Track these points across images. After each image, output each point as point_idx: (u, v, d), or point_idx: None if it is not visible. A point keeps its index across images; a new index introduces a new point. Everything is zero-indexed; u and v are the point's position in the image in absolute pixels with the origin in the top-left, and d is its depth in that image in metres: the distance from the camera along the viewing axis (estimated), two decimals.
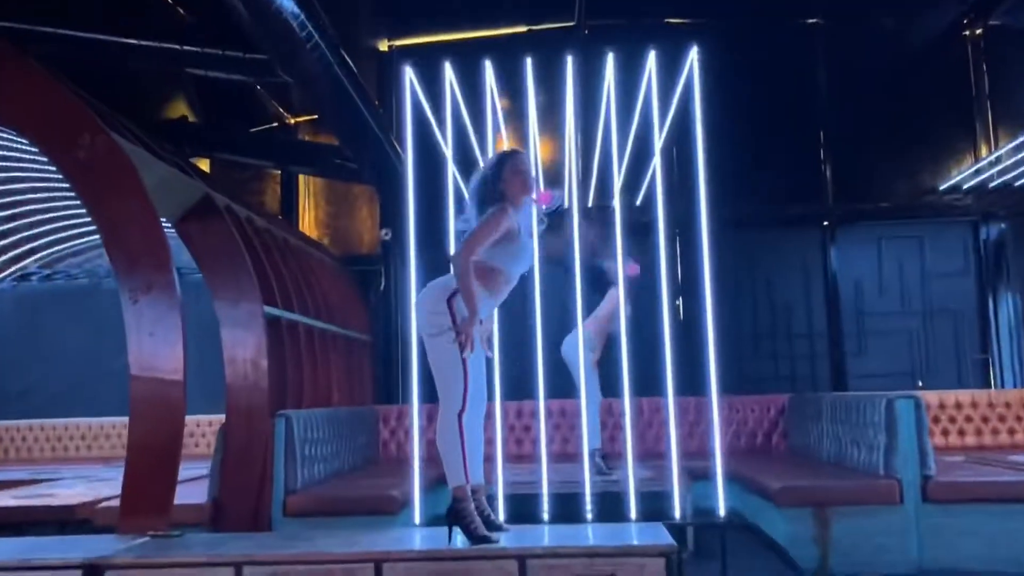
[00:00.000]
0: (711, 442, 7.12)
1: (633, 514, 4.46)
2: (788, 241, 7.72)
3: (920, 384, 7.81)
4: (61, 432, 9.24)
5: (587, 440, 5.52)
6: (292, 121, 8.25)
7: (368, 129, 5.58)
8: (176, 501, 4.90)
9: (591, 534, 3.91)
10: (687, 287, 7.76)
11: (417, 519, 4.29)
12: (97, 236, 10.08)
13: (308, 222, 9.32)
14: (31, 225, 7.97)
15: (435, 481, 4.68)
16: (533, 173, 3.76)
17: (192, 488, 5.16)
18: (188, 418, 8.97)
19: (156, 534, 3.77)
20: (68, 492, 5.59)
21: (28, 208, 7.57)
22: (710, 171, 5.76)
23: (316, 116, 8.09)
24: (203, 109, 7.40)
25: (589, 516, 4.49)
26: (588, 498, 4.56)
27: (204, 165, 9.36)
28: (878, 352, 7.82)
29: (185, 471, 6.39)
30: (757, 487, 5.32)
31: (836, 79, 7.81)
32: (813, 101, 7.60)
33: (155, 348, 3.89)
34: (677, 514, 4.49)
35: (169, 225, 5.09)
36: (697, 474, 5.99)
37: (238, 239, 5.18)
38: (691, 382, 6.48)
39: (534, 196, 3.72)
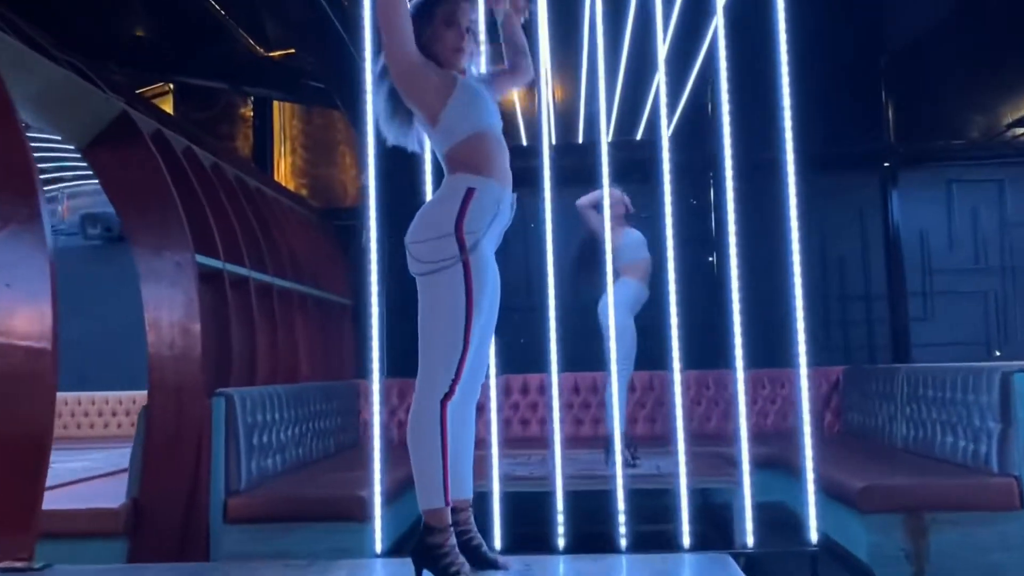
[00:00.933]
0: (759, 422, 6.02)
1: (685, 525, 3.35)
2: (841, 186, 6.49)
3: (998, 354, 6.65)
4: None
5: (616, 421, 4.46)
6: (273, 54, 7.06)
7: (330, 27, 4.47)
8: (82, 504, 3.85)
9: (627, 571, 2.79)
10: (720, 241, 6.61)
11: (379, 545, 3.19)
12: (51, 187, 8.98)
13: (284, 171, 8.19)
14: None
15: (408, 482, 3.59)
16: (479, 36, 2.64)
17: (105, 487, 4.10)
18: (109, 395, 8.23)
19: (9, 567, 2.68)
20: None
21: None
22: (746, 105, 4.75)
23: (292, 50, 6.96)
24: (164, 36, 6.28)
25: (623, 535, 3.36)
26: (621, 506, 3.42)
27: (167, 106, 8.22)
28: (947, 317, 6.65)
29: (96, 462, 5.34)
30: (825, 483, 4.23)
31: None
32: (871, 20, 6.41)
33: (12, 304, 2.78)
34: (749, 538, 3.36)
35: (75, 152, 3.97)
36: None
37: (164, 172, 4.06)
38: (720, 352, 5.45)
39: (475, 69, 2.62)
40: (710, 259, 6.69)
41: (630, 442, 4.70)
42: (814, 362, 6.39)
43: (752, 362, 6.27)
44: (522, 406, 6.12)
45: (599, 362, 5.53)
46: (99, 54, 4.69)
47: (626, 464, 4.60)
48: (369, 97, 3.14)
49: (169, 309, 3.97)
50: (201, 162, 4.79)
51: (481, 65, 2.65)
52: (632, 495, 3.76)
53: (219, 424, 4.00)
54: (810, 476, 3.45)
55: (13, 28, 3.55)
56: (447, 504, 2.30)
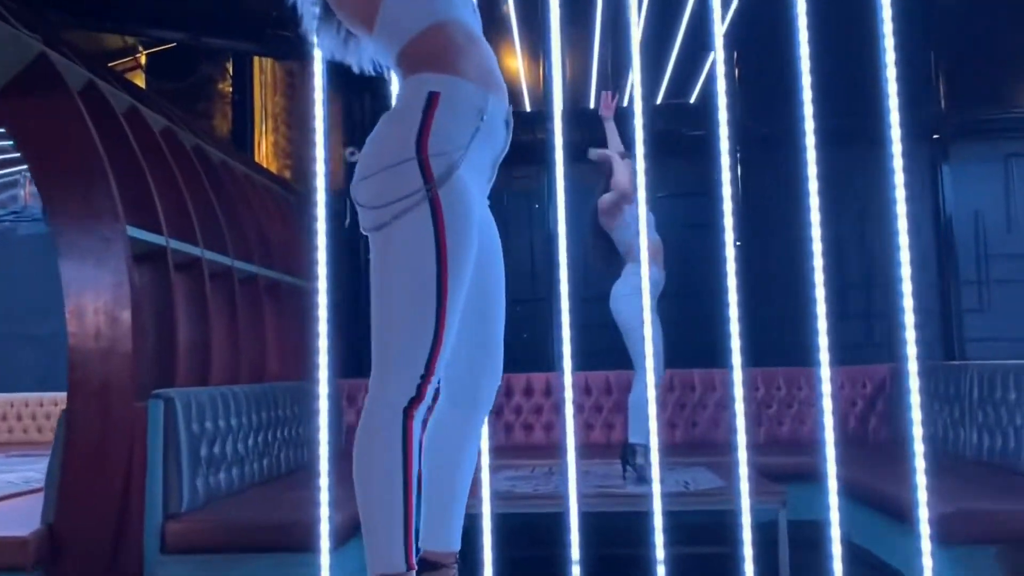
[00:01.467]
0: (796, 428, 5.30)
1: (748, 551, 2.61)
2: (883, 161, 5.76)
3: None
4: None
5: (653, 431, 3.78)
6: None
7: None
8: None
9: None
10: (752, 224, 5.90)
11: None
12: (10, 170, 8.28)
13: (266, 151, 7.49)
14: None
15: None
16: None
17: (14, 509, 3.40)
18: (29, 396, 7.45)
19: None
20: None
21: None
22: (779, 72, 4.11)
23: None
24: None
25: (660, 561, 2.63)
26: (659, 527, 2.68)
27: (139, 80, 7.52)
28: (1005, 308, 5.91)
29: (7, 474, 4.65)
30: (887, 504, 3.51)
31: None
32: None
33: None
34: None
35: None
36: (780, 474, 4.24)
37: (90, 128, 3.35)
38: (755, 349, 4.78)
39: None
40: (737, 244, 5.97)
41: (633, 453, 3.99)
42: (854, 359, 5.74)
43: (779, 359, 5.58)
44: (525, 409, 5.40)
45: (613, 359, 4.84)
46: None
47: (640, 479, 3.91)
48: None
49: (94, 293, 3.27)
50: (149, 125, 4.08)
51: None
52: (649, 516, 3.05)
53: (156, 432, 3.29)
54: (834, 485, 2.70)
55: None
56: (410, 569, 1.55)
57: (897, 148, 3.87)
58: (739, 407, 3.77)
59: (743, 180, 6.16)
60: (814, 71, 4.15)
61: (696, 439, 5.29)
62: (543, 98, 6.19)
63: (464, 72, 1.65)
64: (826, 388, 4.16)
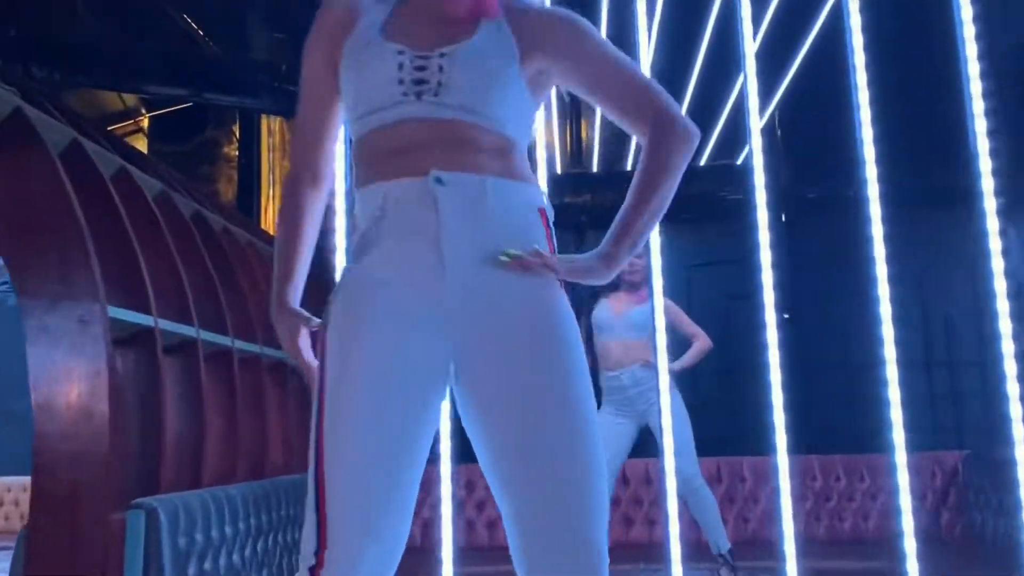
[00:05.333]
0: (858, 523, 4.77)
1: None
2: (948, 225, 5.27)
3: None
4: None
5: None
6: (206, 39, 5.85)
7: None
8: None
9: None
10: (798, 295, 5.42)
11: None
12: None
13: (273, 216, 7.09)
14: None
15: None
16: None
17: None
18: (3, 479, 6.79)
19: None
20: None
21: None
22: (828, 130, 3.82)
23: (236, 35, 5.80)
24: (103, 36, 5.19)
25: None
26: None
27: (141, 144, 7.17)
28: None
29: None
30: None
31: None
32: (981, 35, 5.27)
33: None
34: None
35: None
36: None
37: (69, 191, 2.91)
38: (808, 433, 4.35)
39: None
40: (785, 316, 5.49)
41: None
42: (920, 446, 5.20)
43: (832, 446, 5.05)
44: (489, 506, 4.84)
45: (647, 447, 4.35)
46: (12, 55, 3.59)
47: None
48: None
49: (66, 384, 2.78)
50: (141, 190, 3.64)
51: None
52: None
53: (135, 550, 2.77)
54: None
55: None
56: None
57: (990, 204, 3.43)
58: (785, 502, 3.26)
59: (789, 246, 5.70)
60: (876, 123, 3.73)
61: (748, 537, 4.72)
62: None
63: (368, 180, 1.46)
64: (903, 481, 3.63)
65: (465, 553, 4.32)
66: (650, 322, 3.30)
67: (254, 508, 3.51)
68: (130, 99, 6.91)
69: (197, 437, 3.43)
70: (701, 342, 4.06)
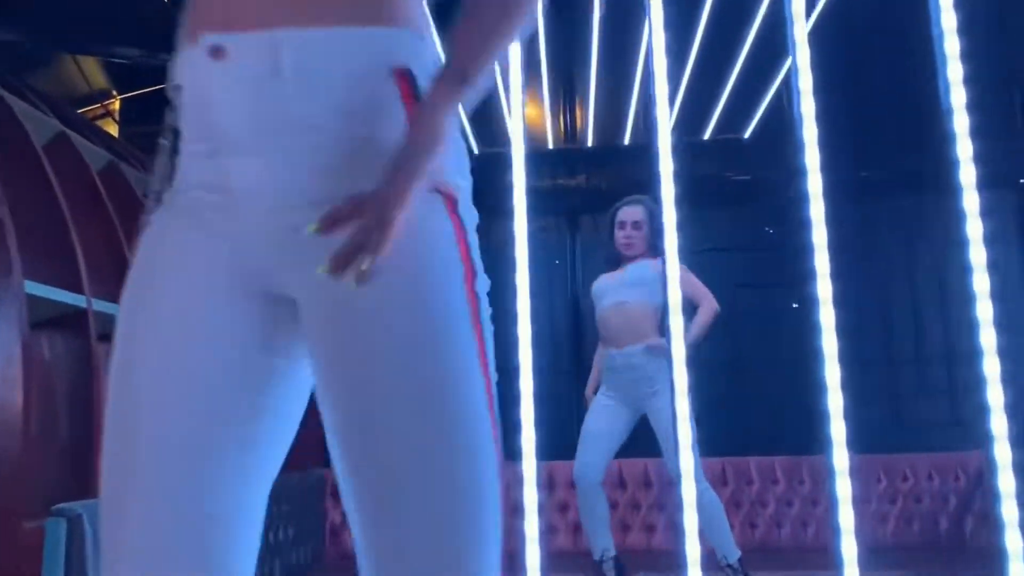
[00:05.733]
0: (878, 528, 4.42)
1: None
2: (962, 213, 4.94)
3: None
4: None
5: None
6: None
7: None
8: None
9: None
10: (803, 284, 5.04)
11: None
12: None
13: None
14: None
15: None
16: None
17: None
18: None
19: None
20: None
21: None
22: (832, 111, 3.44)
23: None
24: None
25: None
26: None
27: (112, 129, 6.82)
28: None
29: None
30: None
31: None
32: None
33: None
34: None
35: None
36: None
37: None
38: (807, 433, 3.95)
39: None
40: (795, 305, 5.12)
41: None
42: (940, 443, 4.84)
43: (859, 446, 4.69)
44: (548, 508, 4.47)
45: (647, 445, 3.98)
46: None
47: None
48: None
49: None
50: (82, 159, 3.28)
51: None
52: None
53: (53, 565, 2.41)
54: None
55: None
56: None
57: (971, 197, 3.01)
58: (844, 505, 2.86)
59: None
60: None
61: (756, 544, 4.34)
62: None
63: None
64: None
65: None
66: (658, 282, 2.89)
67: None
68: (98, 81, 6.55)
69: None
70: (706, 305, 3.47)
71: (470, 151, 0.95)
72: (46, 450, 2.56)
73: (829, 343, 2.77)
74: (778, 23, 4.21)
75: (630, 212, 3.54)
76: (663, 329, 3.22)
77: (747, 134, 5.17)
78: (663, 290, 2.80)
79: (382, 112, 0.88)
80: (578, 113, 5.62)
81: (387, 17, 0.90)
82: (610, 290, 3.54)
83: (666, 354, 2.83)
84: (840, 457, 2.65)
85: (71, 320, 2.81)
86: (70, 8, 3.77)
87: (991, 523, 4.28)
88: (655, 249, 3.35)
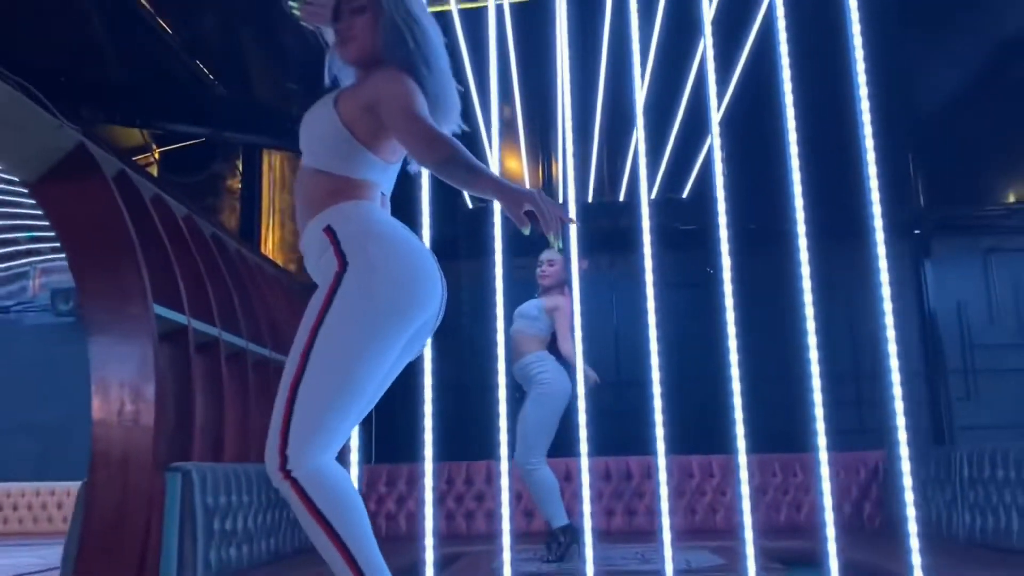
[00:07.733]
0: (792, 514, 5.38)
1: None
2: (870, 256, 6.00)
3: None
4: None
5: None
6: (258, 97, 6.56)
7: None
8: None
9: None
10: (746, 315, 6.09)
11: None
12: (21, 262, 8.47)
13: (272, 245, 7.73)
14: None
15: None
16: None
17: None
18: (25, 486, 7.37)
19: None
20: None
21: None
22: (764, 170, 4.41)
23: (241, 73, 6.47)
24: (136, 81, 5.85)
25: None
26: None
27: (152, 170, 7.81)
28: (992, 396, 6.07)
29: (44, 558, 4.69)
30: None
31: (924, 51, 6.24)
32: (897, 78, 6.05)
33: None
34: None
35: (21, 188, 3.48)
36: (781, 557, 4.30)
37: (123, 212, 3.56)
38: (751, 435, 4.92)
39: None
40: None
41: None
42: (847, 446, 5.84)
43: (769, 446, 5.69)
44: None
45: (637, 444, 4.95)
46: (64, 96, 4.26)
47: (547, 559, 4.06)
48: None
49: (119, 367, 3.41)
50: (173, 212, 4.30)
51: None
52: None
53: (173, 504, 3.38)
54: None
55: None
56: None
57: (881, 249, 4.05)
58: (744, 490, 3.85)
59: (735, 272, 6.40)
60: (802, 169, 4.38)
61: (695, 525, 5.35)
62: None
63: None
64: (825, 472, 4.24)
65: (444, 540, 4.92)
66: (539, 318, 4.03)
67: (265, 485, 4.12)
68: (147, 133, 7.55)
69: (219, 422, 4.05)
70: (566, 347, 4.16)
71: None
72: (165, 426, 3.54)
73: (735, 362, 3.80)
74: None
75: (547, 254, 4.48)
76: (552, 348, 4.22)
77: (685, 194, 6.28)
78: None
79: (324, 247, 2.00)
80: (615, 166, 6.56)
81: (329, 204, 2.02)
82: (515, 317, 4.42)
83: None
84: (741, 456, 3.68)
85: (175, 336, 3.81)
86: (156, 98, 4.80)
87: (885, 509, 5.29)
88: (565, 284, 4.31)
